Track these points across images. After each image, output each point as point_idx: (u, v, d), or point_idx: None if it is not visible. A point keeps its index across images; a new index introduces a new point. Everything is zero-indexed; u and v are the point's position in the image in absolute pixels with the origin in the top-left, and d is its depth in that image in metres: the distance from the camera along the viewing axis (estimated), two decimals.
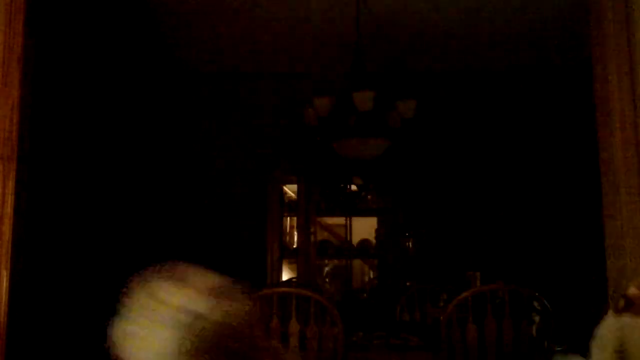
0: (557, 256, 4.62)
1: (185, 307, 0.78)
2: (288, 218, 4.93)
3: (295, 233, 4.86)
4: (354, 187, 4.88)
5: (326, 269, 5.02)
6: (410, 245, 4.66)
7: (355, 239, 4.82)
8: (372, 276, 5.11)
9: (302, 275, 4.64)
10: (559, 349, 2.64)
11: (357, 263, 5.06)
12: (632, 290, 0.88)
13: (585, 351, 1.00)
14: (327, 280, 4.98)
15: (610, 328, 0.86)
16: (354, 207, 4.80)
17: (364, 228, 4.89)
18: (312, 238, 4.68)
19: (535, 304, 2.68)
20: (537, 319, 2.77)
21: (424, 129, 4.64)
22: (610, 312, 0.88)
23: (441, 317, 2.73)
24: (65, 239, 3.22)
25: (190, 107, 4.98)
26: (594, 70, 2.05)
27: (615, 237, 1.92)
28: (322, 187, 4.78)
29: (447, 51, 4.51)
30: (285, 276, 4.81)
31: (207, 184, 4.88)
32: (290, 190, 4.92)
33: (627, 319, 0.85)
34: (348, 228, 4.77)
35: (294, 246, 4.85)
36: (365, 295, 4.88)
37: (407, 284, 4.14)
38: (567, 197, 4.73)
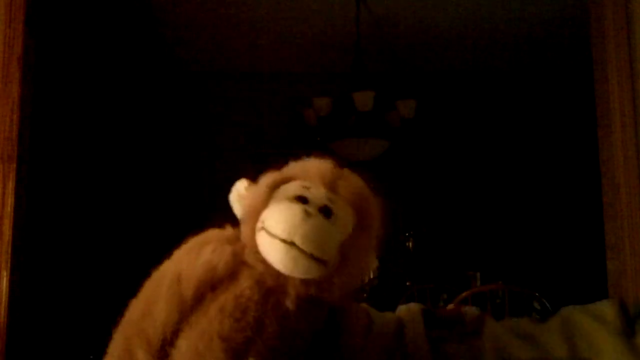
0: (557, 256, 4.62)
1: None
2: None
3: None
4: None
5: None
6: (410, 245, 4.66)
7: None
8: (372, 276, 5.10)
9: None
10: None
11: None
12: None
13: None
14: None
15: None
16: None
17: None
18: None
19: (535, 304, 2.68)
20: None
21: (424, 129, 4.64)
22: None
23: None
24: (65, 239, 3.22)
25: (190, 107, 4.97)
26: (594, 70, 2.05)
27: (615, 237, 1.92)
28: None
29: (447, 51, 4.51)
30: None
31: (207, 184, 4.88)
32: None
33: None
34: None
35: None
36: (365, 295, 4.87)
37: (407, 283, 4.13)
38: (567, 197, 4.73)
